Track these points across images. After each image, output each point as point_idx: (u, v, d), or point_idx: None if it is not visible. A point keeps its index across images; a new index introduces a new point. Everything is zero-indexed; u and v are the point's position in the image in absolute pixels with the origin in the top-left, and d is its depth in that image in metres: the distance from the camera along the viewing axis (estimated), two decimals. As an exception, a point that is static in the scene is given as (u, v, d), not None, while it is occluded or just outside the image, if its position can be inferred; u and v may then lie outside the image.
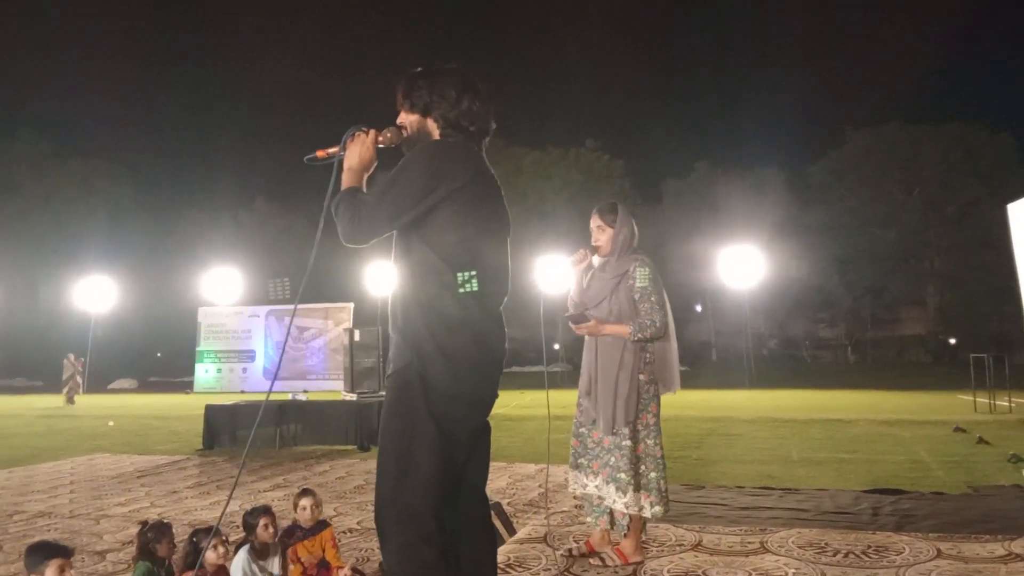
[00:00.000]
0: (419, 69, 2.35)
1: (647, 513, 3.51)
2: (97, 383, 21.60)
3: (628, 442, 3.49)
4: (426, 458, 2.06)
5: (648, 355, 3.63)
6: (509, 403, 14.78)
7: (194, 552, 2.93)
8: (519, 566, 3.53)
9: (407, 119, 2.34)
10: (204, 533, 2.98)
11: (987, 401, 12.39)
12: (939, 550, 3.64)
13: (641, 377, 3.58)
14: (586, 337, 3.74)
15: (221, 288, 28.98)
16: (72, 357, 20.46)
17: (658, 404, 3.65)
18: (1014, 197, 10.55)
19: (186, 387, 25.86)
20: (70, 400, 19.35)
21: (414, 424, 2.08)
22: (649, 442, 3.57)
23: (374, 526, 2.12)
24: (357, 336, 10.23)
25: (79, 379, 20.27)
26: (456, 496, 2.23)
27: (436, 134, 2.30)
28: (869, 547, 3.74)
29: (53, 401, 19.70)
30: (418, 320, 2.14)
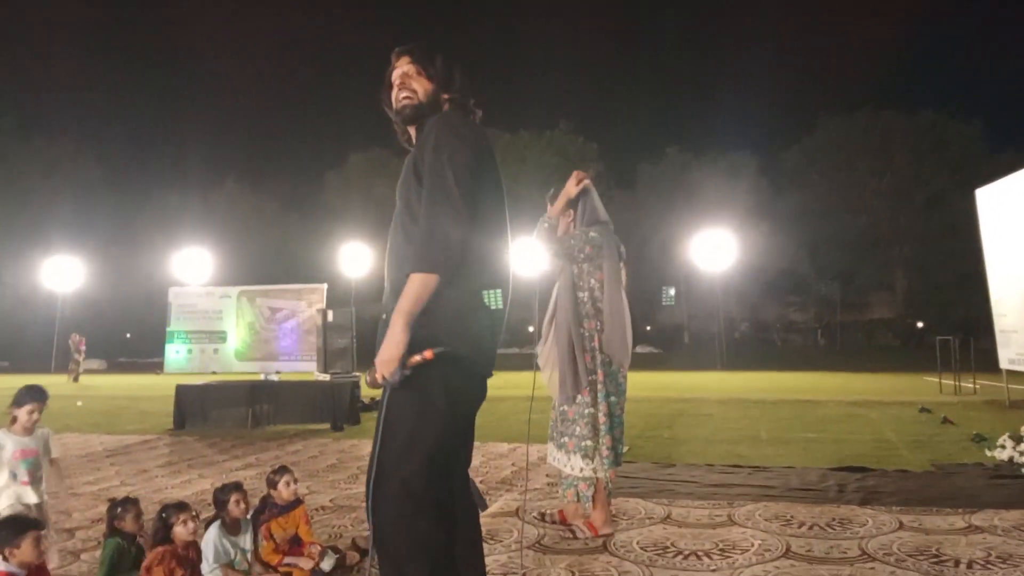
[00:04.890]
0: None
1: (600, 474, 3.55)
2: (65, 363, 21.33)
3: (590, 409, 3.54)
4: (432, 434, 2.03)
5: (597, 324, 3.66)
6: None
7: (164, 528, 2.91)
8: (491, 539, 3.56)
9: None
10: (174, 509, 2.96)
11: (952, 383, 12.63)
12: (901, 522, 3.72)
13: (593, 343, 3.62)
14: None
15: (192, 268, 28.69)
16: (76, 337, 20.74)
17: (607, 369, 3.64)
18: (982, 186, 10.63)
19: (156, 368, 25.52)
20: (75, 379, 19.66)
21: (426, 398, 2.03)
22: (611, 400, 3.61)
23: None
24: (330, 317, 10.18)
25: (79, 358, 20.55)
26: (450, 475, 2.19)
27: None
28: (833, 519, 3.81)
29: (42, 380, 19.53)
30: (443, 297, 2.05)
